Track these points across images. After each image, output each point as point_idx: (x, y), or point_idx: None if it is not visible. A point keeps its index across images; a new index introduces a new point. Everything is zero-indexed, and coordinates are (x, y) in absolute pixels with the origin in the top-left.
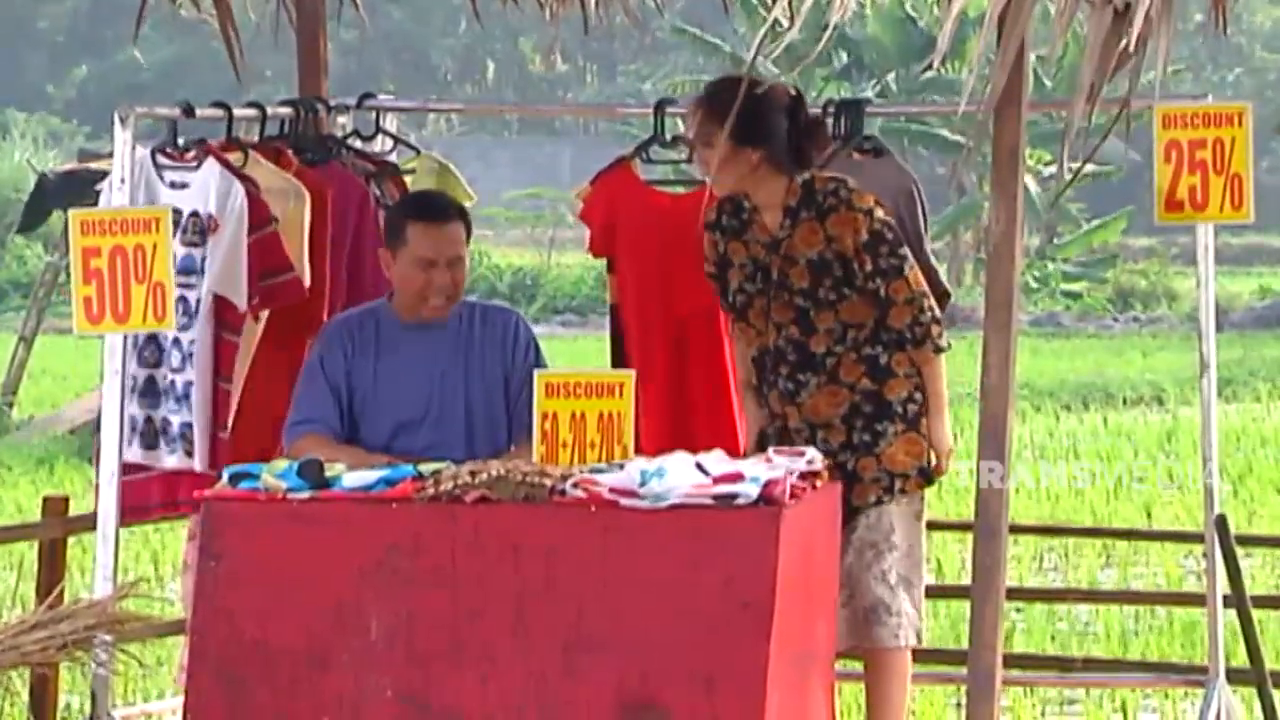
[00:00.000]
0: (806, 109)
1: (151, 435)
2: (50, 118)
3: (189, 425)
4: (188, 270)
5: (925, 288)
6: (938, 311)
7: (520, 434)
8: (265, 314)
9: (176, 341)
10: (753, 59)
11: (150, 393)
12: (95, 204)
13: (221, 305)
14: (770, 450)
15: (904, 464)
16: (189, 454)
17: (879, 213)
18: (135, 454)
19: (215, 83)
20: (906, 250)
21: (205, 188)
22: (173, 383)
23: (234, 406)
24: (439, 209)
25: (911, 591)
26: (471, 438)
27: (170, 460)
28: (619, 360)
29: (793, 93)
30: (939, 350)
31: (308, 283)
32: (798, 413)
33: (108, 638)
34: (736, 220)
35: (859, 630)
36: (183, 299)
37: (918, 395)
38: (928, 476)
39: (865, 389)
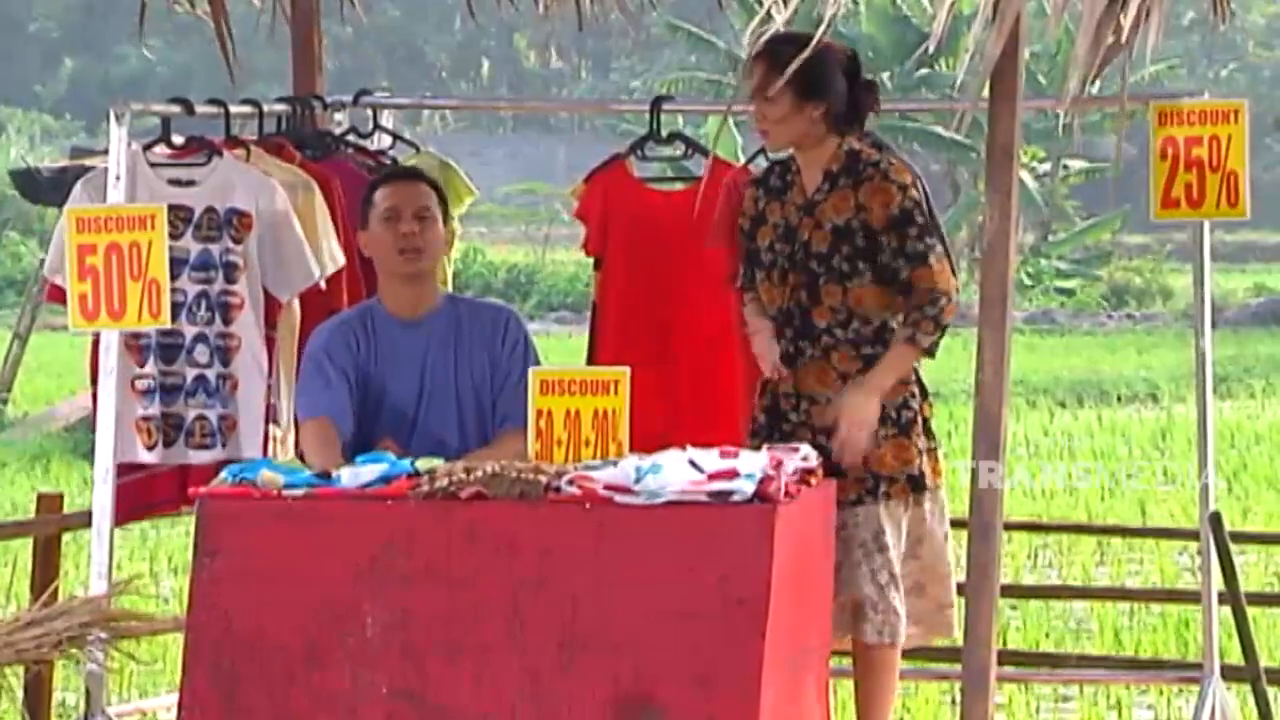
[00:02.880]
0: (862, 69)
1: (170, 433)
2: (44, 115)
3: (225, 418)
4: (205, 266)
5: (949, 285)
6: (944, 318)
7: (505, 425)
8: (296, 305)
9: (202, 337)
10: (750, 48)
11: (168, 390)
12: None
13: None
14: (765, 447)
15: (891, 467)
16: (225, 445)
17: (914, 191)
18: (155, 455)
19: (210, 82)
20: (936, 240)
21: (226, 185)
22: (201, 377)
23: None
24: (401, 170)
25: (900, 589)
26: (463, 433)
27: (205, 456)
28: (594, 358)
29: (849, 53)
30: (912, 341)
31: (338, 264)
32: (792, 377)
33: (103, 635)
34: (780, 181)
35: (845, 626)
36: (204, 295)
37: (912, 403)
38: (915, 484)
39: None
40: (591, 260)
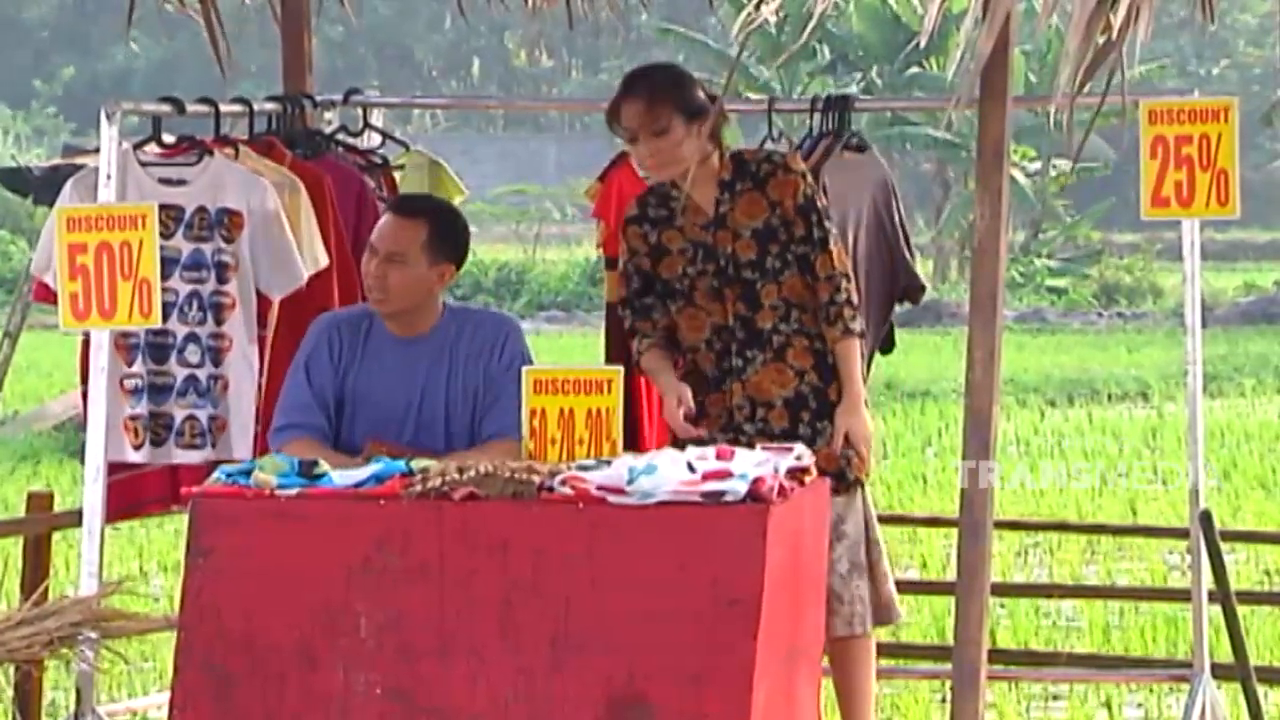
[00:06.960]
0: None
1: (159, 432)
2: (36, 114)
3: (215, 419)
4: (197, 265)
5: (847, 268)
6: (854, 296)
7: (495, 437)
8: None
9: (193, 337)
10: (740, 52)
11: (157, 389)
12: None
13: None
14: (759, 446)
15: (835, 464)
16: (215, 445)
17: (810, 178)
18: (143, 454)
19: (201, 80)
20: (832, 225)
21: (217, 184)
22: (193, 377)
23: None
24: (407, 202)
25: (864, 577)
26: (450, 448)
27: (194, 456)
28: (612, 359)
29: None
30: (848, 332)
31: (319, 265)
32: (741, 389)
33: (93, 634)
34: (665, 210)
35: None
36: (196, 295)
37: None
38: (843, 479)
39: (813, 383)
40: (587, 258)
